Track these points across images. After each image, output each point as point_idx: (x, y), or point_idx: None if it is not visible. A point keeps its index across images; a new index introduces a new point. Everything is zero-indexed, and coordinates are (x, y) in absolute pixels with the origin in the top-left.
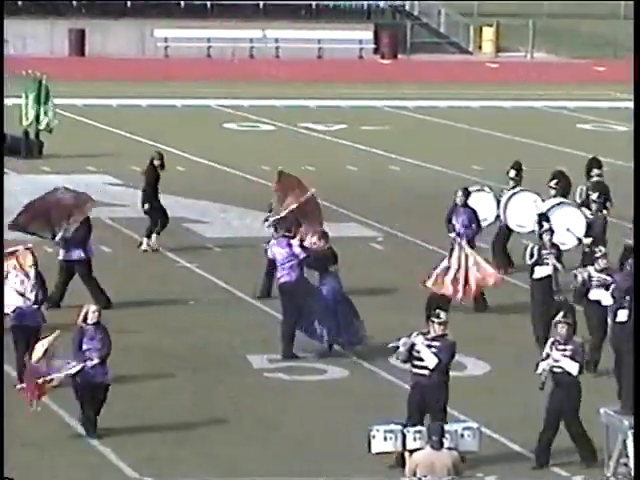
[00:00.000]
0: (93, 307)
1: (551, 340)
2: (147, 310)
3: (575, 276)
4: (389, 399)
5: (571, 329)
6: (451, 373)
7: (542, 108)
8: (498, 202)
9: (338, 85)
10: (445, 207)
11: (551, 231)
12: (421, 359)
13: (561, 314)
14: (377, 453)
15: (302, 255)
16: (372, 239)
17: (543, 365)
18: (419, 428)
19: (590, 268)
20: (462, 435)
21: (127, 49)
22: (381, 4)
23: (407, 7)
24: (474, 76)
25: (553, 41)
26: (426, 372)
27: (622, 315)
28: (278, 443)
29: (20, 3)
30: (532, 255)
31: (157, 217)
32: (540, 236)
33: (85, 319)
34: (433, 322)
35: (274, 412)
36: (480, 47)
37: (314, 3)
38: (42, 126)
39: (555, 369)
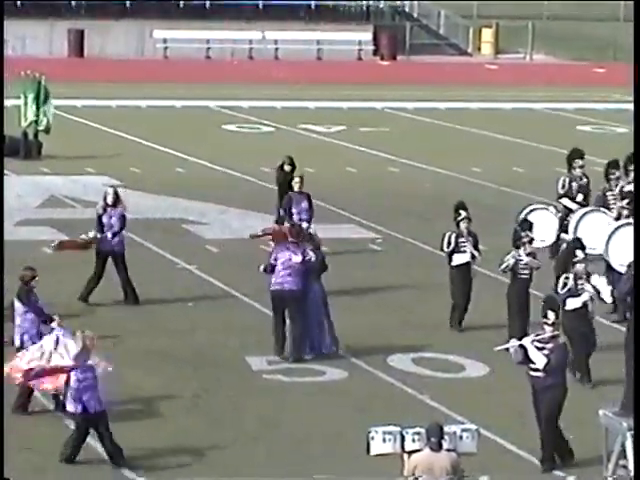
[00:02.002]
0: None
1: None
2: (146, 311)
3: (502, 261)
4: (388, 401)
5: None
6: (449, 375)
7: (541, 110)
8: (560, 223)
9: (337, 86)
10: (445, 209)
11: (468, 219)
12: (532, 361)
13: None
14: (376, 455)
15: (308, 260)
16: (371, 240)
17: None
18: (418, 429)
19: (520, 251)
20: (461, 437)
21: (126, 50)
22: (380, 5)
23: (406, 8)
24: (473, 78)
25: (552, 43)
26: (539, 374)
27: (571, 303)
28: (277, 444)
29: (19, 4)
30: (449, 243)
31: None
32: (457, 224)
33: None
34: (545, 324)
35: (273, 413)
36: (479, 49)
37: (313, 4)
38: (41, 127)
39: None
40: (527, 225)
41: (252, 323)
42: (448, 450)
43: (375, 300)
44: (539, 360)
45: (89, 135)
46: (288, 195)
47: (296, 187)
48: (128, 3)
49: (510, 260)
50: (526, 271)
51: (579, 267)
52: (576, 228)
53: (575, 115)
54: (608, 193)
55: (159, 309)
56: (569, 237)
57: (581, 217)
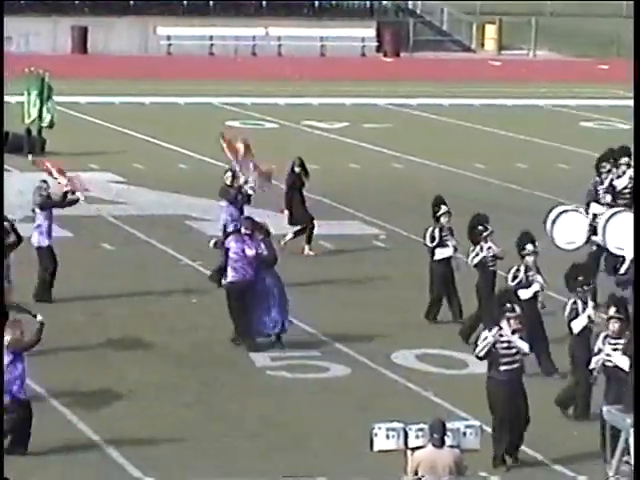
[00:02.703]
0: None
1: (603, 334)
2: (150, 308)
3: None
4: (392, 397)
5: (624, 324)
6: (453, 371)
7: (545, 106)
8: (591, 225)
9: (341, 83)
10: (449, 204)
11: (449, 213)
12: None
13: (613, 309)
14: (379, 451)
15: (257, 253)
16: (375, 237)
17: (596, 359)
18: (421, 426)
19: (486, 245)
20: (464, 433)
21: (130, 47)
22: (384, 2)
23: (410, 5)
24: (477, 74)
25: (556, 39)
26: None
27: (522, 294)
28: (280, 441)
29: (23, 2)
30: (434, 238)
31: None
32: (438, 219)
33: None
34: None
35: (276, 410)
36: (483, 45)
37: (317, 1)
38: (44, 123)
39: (607, 363)
40: (483, 218)
41: None
42: (451, 447)
43: (378, 296)
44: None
45: (92, 132)
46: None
47: (228, 181)
48: (132, 0)
49: (481, 254)
50: (494, 262)
51: (529, 259)
52: (604, 229)
53: (578, 111)
54: (599, 187)
55: (163, 305)
56: (599, 239)
57: (610, 217)
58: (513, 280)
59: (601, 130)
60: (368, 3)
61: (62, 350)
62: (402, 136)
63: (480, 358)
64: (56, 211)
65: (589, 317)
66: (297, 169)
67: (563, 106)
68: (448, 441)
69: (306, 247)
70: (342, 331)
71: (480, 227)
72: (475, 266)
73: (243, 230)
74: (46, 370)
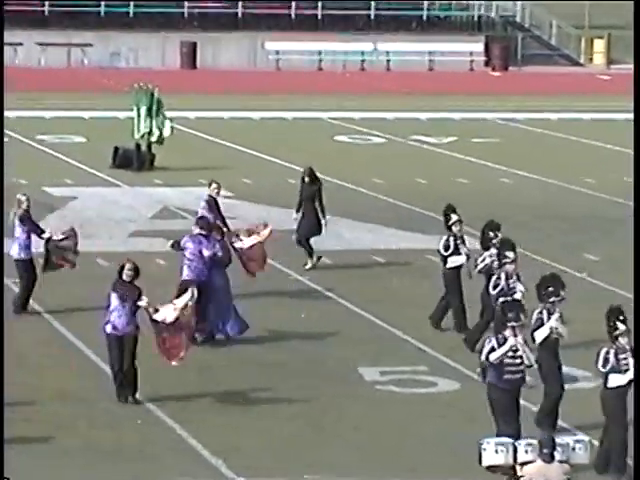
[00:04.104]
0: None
1: (613, 351)
2: (260, 321)
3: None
4: None
5: (631, 335)
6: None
7: None
8: None
9: (449, 97)
10: (557, 220)
11: (460, 222)
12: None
13: (624, 327)
14: (488, 466)
15: (214, 254)
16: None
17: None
18: (530, 441)
19: (492, 251)
20: (573, 448)
21: (238, 62)
22: (492, 16)
23: (518, 19)
24: (585, 88)
25: None
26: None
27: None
28: (388, 456)
29: (132, 16)
30: (448, 247)
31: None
32: (450, 227)
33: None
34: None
35: (384, 424)
36: (591, 59)
37: (425, 15)
38: (154, 138)
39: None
40: (494, 225)
41: (365, 334)
42: (561, 461)
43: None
44: (531, 356)
45: (201, 147)
46: (210, 199)
47: (213, 193)
48: (240, 15)
49: (487, 260)
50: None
51: (509, 267)
52: None
53: None
54: None
55: (271, 319)
56: None
57: None
58: (494, 288)
59: None
60: (476, 17)
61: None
62: (510, 151)
63: (489, 364)
64: (166, 226)
65: (551, 328)
66: (306, 179)
67: None
68: (557, 456)
69: (309, 261)
70: (451, 345)
71: (491, 233)
72: (480, 272)
73: (199, 230)
74: (155, 384)
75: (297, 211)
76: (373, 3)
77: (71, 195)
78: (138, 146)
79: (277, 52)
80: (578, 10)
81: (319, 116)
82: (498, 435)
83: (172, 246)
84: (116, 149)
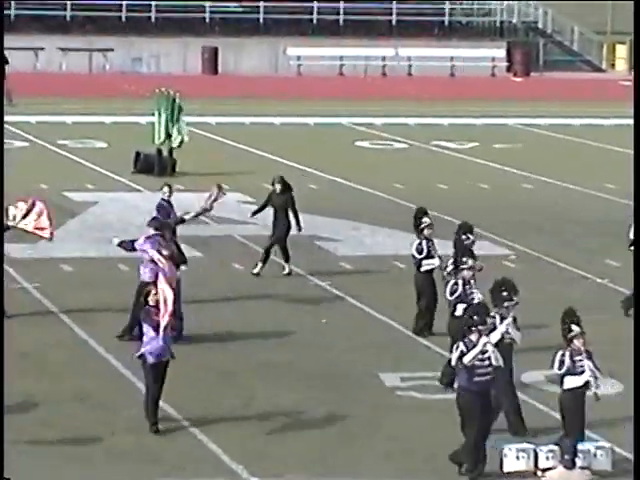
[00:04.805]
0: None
1: (569, 353)
2: (280, 326)
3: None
4: (524, 420)
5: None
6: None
7: None
8: None
9: (471, 103)
10: (579, 225)
11: (431, 225)
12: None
13: (578, 329)
14: (509, 472)
15: (172, 253)
16: (505, 257)
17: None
18: (552, 447)
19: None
20: (595, 454)
21: (260, 67)
22: (514, 21)
23: (540, 25)
24: (607, 94)
25: None
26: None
27: (461, 309)
28: (409, 461)
29: (154, 22)
30: (422, 250)
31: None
32: (422, 231)
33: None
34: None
35: (406, 430)
36: (613, 65)
37: (447, 20)
38: (175, 144)
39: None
40: (467, 228)
41: (386, 340)
42: (582, 468)
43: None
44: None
45: (223, 152)
46: (160, 203)
47: (165, 196)
48: (262, 20)
49: (471, 262)
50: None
51: (466, 273)
52: None
53: None
54: None
55: (291, 324)
56: None
57: None
58: (451, 295)
59: None
60: (498, 23)
61: (191, 368)
62: (532, 156)
63: (460, 368)
64: (187, 231)
65: (502, 333)
66: (277, 187)
67: None
68: (579, 462)
69: (286, 266)
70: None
71: (463, 236)
72: (449, 274)
73: (153, 231)
74: (176, 389)
75: (254, 214)
76: (395, 9)
77: (92, 200)
78: (159, 151)
79: (298, 57)
80: (600, 16)
81: (340, 121)
82: (467, 441)
83: (120, 244)
84: (137, 154)
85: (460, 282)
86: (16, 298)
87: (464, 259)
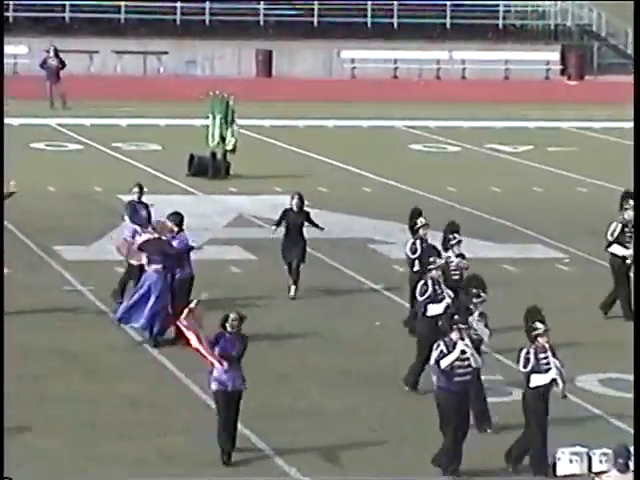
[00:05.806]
0: (233, 315)
1: (533, 350)
2: (334, 330)
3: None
4: (575, 422)
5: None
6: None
7: None
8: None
9: (524, 106)
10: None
11: (427, 225)
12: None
13: (542, 326)
14: (562, 476)
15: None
16: (558, 260)
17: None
18: (605, 451)
19: (449, 253)
20: None
21: (314, 70)
22: (568, 24)
23: (594, 28)
24: None
25: None
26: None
27: (432, 309)
28: (462, 465)
29: (208, 25)
30: (416, 250)
31: None
32: (417, 231)
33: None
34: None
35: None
36: None
37: (501, 24)
38: (229, 147)
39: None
40: (454, 227)
41: None
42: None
43: (563, 320)
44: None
45: (276, 155)
46: (132, 204)
47: (135, 197)
48: (316, 23)
49: (440, 262)
50: (457, 271)
51: (434, 273)
52: None
53: None
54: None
55: (345, 328)
56: None
57: None
58: (422, 295)
59: None
60: (553, 26)
61: (247, 371)
62: (586, 159)
63: (438, 366)
64: (241, 234)
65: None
66: (294, 207)
67: None
68: (632, 465)
69: (293, 289)
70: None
71: (450, 236)
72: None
73: (154, 234)
74: None
75: (277, 225)
76: (449, 12)
77: (146, 203)
78: (214, 154)
79: (352, 60)
80: None
81: (394, 124)
82: (451, 443)
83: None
84: (191, 157)
85: (430, 282)
86: (70, 300)
87: (432, 259)
